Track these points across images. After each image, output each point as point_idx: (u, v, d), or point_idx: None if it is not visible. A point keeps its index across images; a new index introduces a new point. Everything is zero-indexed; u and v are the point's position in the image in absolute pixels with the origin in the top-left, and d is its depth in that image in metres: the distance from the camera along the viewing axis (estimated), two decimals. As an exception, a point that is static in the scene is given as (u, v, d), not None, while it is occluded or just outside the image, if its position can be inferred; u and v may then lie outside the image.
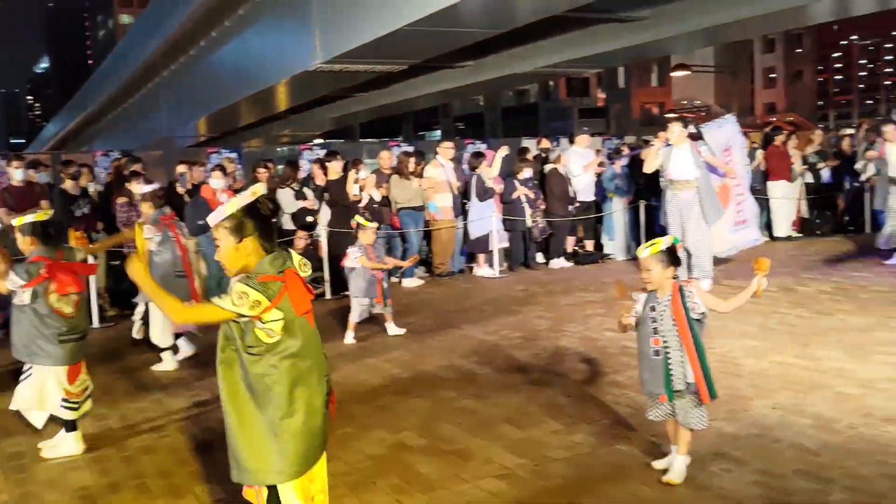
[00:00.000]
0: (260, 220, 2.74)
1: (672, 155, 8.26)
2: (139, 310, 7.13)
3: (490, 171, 10.49)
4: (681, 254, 4.39)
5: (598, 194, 11.38)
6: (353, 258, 7.04)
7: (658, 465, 3.86)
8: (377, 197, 10.15)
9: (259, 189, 2.81)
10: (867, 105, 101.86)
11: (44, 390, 4.56)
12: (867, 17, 16.88)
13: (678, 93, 59.33)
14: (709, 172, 8.43)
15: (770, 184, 12.21)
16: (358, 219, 7.28)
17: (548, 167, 11.11)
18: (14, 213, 7.63)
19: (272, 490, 2.80)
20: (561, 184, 10.90)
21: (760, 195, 12.15)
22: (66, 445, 4.58)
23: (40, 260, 4.49)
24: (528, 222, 10.61)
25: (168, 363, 6.55)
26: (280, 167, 12.18)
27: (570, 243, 11.37)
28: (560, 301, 8.42)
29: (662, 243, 3.69)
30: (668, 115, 50.83)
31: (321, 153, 12.36)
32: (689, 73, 32.10)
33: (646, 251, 3.68)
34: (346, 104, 25.81)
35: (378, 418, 4.88)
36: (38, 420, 4.70)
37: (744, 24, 14.79)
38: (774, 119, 48.86)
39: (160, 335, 6.51)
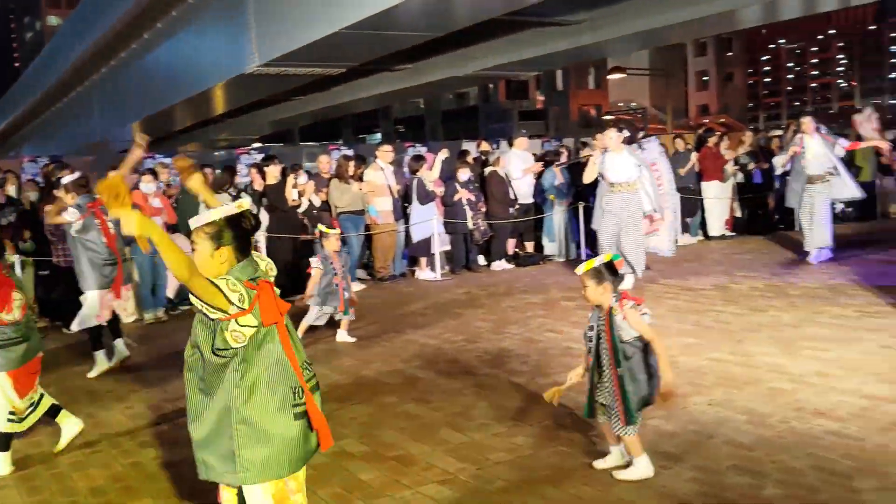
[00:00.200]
0: (240, 233, 2.79)
1: (610, 160, 8.36)
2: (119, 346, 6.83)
3: (431, 175, 10.49)
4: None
5: (537, 196, 11.48)
6: (318, 266, 7.02)
7: (599, 465, 3.90)
8: (317, 202, 10.06)
9: (245, 203, 2.86)
10: (795, 107, 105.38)
11: None
12: (794, 21, 17.42)
13: (615, 95, 60.42)
14: (646, 170, 8.58)
15: (704, 184, 12.50)
16: (320, 227, 7.26)
17: (487, 170, 11.17)
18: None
19: (240, 491, 2.86)
20: (501, 186, 10.96)
21: (695, 195, 12.45)
22: (-6, 467, 4.43)
23: None
24: (470, 225, 10.64)
25: (101, 364, 6.49)
26: (218, 172, 11.98)
27: (510, 245, 11.45)
28: (502, 303, 8.46)
29: (596, 261, 3.76)
30: (605, 118, 51.71)
31: (259, 157, 12.20)
32: (624, 75, 32.64)
33: (581, 268, 3.77)
34: (285, 107, 25.50)
35: (319, 426, 4.81)
36: None
37: (676, 28, 15.12)
38: (707, 121, 50.16)
39: (79, 322, 6.44)
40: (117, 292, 6.51)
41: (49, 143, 34.16)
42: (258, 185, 10.20)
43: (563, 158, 11.78)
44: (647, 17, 14.11)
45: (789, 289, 8.07)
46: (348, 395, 5.44)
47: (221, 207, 2.80)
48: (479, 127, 48.01)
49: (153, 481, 4.18)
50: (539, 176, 11.50)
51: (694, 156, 12.50)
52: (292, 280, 8.30)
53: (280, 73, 13.92)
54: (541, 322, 7.35)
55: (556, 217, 11.41)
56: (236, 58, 13.99)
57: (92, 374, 6.47)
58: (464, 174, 10.66)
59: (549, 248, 11.71)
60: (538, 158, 12.03)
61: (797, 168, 9.43)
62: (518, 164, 11.28)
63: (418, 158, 10.83)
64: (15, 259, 8.34)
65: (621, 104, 60.92)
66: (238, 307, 2.67)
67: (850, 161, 14.85)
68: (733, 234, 12.77)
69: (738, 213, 13.15)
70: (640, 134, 11.01)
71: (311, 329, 7.15)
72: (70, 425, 4.73)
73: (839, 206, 13.78)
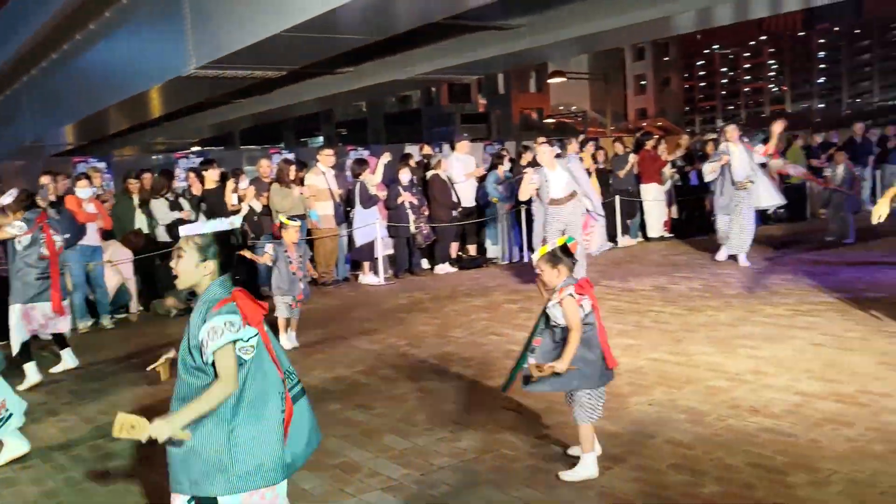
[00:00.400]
0: (227, 249, 2.87)
1: (547, 177, 8.43)
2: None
3: (373, 178, 10.45)
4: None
5: (480, 199, 11.54)
6: (268, 251, 7.01)
7: (571, 451, 4.00)
8: (257, 207, 9.92)
9: (236, 221, 2.95)
10: (729, 110, 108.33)
11: None
12: (727, 27, 17.87)
13: (556, 98, 61.07)
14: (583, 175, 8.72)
15: (643, 187, 12.74)
16: (281, 218, 7.25)
17: (430, 173, 11.17)
18: None
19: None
20: (444, 189, 10.98)
21: (634, 198, 12.68)
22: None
23: None
24: (412, 228, 10.63)
25: (32, 377, 6.34)
26: (156, 176, 11.72)
27: (453, 249, 11.47)
28: (445, 307, 8.46)
29: (550, 245, 3.84)
30: (546, 121, 52.22)
31: (198, 161, 11.99)
32: (565, 79, 33.04)
33: (535, 255, 3.86)
34: (225, 110, 25.08)
35: (260, 435, 4.73)
36: None
37: (614, 34, 15.32)
38: (645, 124, 51.11)
39: (15, 343, 6.31)
40: (58, 307, 6.38)
41: (-23, 148, 32.93)
42: (196, 190, 10.02)
43: (507, 162, 11.86)
44: (585, 22, 14.29)
45: (725, 289, 8.26)
46: (290, 403, 5.36)
47: (213, 221, 2.89)
48: (422, 130, 48.04)
49: (87, 497, 4.05)
50: (482, 179, 11.56)
51: (633, 158, 12.73)
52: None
53: (218, 75, 13.67)
54: (484, 325, 7.38)
55: (499, 220, 11.48)
56: (173, 60, 13.69)
57: (23, 387, 6.26)
58: (405, 176, 10.64)
59: (492, 251, 11.78)
60: (491, 167, 11.96)
61: (725, 175, 9.66)
62: (460, 168, 11.32)
63: (361, 162, 10.77)
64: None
65: (562, 108, 61.62)
66: (243, 332, 2.70)
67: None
68: (672, 235, 13.03)
69: (676, 215, 13.43)
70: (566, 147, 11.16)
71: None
72: (14, 446, 4.58)
73: (771, 208, 14.20)
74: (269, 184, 10.13)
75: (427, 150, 12.45)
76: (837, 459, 3.78)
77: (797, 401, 4.64)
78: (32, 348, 6.50)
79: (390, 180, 10.74)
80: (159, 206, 9.58)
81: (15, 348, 6.28)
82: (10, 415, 4.59)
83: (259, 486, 2.75)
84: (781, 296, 7.67)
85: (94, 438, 4.96)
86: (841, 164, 11.59)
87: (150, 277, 9.64)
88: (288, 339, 7.01)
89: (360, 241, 10.44)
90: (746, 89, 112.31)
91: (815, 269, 9.04)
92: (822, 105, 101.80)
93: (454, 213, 11.07)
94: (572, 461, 3.88)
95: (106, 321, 8.73)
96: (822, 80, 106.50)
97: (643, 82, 78.66)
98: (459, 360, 6.18)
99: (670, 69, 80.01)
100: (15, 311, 6.30)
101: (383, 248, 10.53)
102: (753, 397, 4.77)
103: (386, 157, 10.65)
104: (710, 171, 9.68)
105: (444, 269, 11.03)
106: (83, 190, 8.54)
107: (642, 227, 13.06)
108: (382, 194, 10.53)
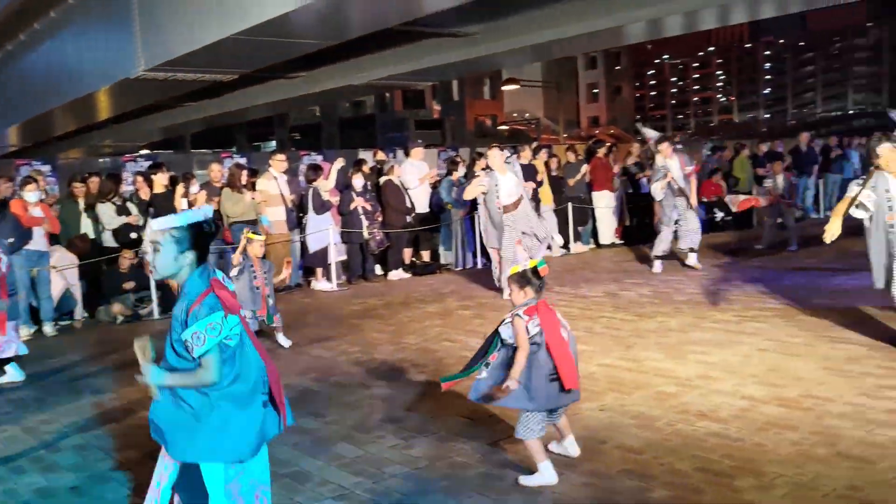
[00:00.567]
0: (202, 238, 2.92)
1: (497, 181, 8.59)
2: None
3: (327, 184, 10.38)
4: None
5: (434, 205, 11.54)
6: (235, 262, 6.91)
7: (553, 448, 4.05)
8: (208, 211, 9.77)
9: (209, 212, 2.99)
10: (679, 119, 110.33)
11: None
12: (677, 38, 18.23)
13: (510, 105, 61.51)
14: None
15: (595, 194, 12.89)
16: (247, 232, 7.12)
17: (383, 179, 11.14)
18: None
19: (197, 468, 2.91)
20: (397, 195, 10.96)
21: (586, 205, 12.81)
22: None
23: None
24: (366, 234, 10.58)
25: (14, 375, 6.30)
26: (103, 179, 11.48)
27: (407, 255, 11.45)
28: (398, 313, 8.43)
29: (520, 266, 3.93)
30: (500, 128, 52.54)
31: (146, 165, 11.77)
32: (518, 87, 33.32)
33: (507, 273, 4.02)
34: (175, 113, 24.67)
35: (209, 444, 4.65)
36: None
37: (567, 43, 15.49)
38: (598, 132, 51.77)
39: None
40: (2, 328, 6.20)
41: (-85, 149, 31.86)
42: (144, 195, 9.84)
43: (461, 168, 11.89)
44: (538, 31, 14.42)
45: (675, 295, 8.40)
46: (240, 411, 5.28)
47: (188, 212, 2.96)
48: (376, 136, 47.91)
49: (53, 498, 3.94)
50: (436, 185, 11.56)
51: (585, 167, 12.87)
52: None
53: (167, 78, 13.43)
54: (438, 331, 7.37)
55: (453, 226, 11.50)
56: (121, 62, 13.42)
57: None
58: (359, 181, 10.60)
59: (446, 256, 11.79)
60: (447, 173, 11.96)
61: (670, 187, 9.92)
62: (414, 174, 11.32)
63: (315, 169, 10.70)
64: None
65: (515, 115, 61.99)
66: (225, 328, 2.80)
67: (728, 172, 15.67)
68: (623, 242, 13.20)
69: (627, 222, 13.61)
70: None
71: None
72: None
73: (719, 215, 14.50)
74: (221, 188, 9.99)
75: (381, 155, 12.40)
76: (782, 463, 3.86)
77: (744, 405, 4.73)
78: None
79: (344, 186, 10.68)
80: (106, 211, 9.38)
81: None
82: None
83: (232, 460, 2.90)
84: (729, 302, 7.82)
85: (35, 449, 4.82)
86: (780, 174, 11.95)
87: (95, 283, 9.42)
88: (282, 339, 7.22)
89: (313, 246, 10.36)
90: (695, 99, 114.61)
91: (762, 275, 9.24)
92: (768, 115, 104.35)
93: (408, 218, 11.06)
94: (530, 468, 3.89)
95: (49, 328, 8.51)
96: (767, 90, 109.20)
97: (595, 91, 79.65)
98: (413, 367, 6.16)
99: (622, 78, 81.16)
100: None
101: (336, 254, 10.46)
102: (702, 402, 4.84)
103: (339, 163, 10.59)
104: (659, 189, 9.91)
105: (397, 275, 11.00)
106: (31, 194, 8.32)
107: (594, 233, 13.21)
108: (336, 200, 10.47)
